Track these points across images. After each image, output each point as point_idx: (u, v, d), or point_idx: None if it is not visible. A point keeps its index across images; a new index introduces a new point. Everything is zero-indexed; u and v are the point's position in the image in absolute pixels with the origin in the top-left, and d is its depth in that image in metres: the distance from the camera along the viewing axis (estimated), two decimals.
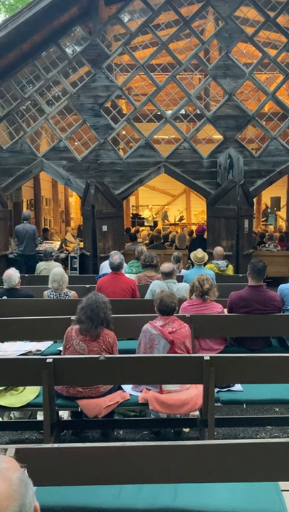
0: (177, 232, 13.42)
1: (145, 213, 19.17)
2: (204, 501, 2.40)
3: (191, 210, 20.71)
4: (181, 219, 19.50)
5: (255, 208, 13.20)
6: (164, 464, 2.30)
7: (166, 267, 5.76)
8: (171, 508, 2.39)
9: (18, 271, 5.92)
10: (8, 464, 1.07)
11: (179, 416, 4.02)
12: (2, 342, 4.86)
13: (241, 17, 10.46)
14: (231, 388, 3.90)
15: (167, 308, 4.02)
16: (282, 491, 2.47)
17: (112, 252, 7.43)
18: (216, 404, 3.62)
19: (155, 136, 10.89)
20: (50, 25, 10.09)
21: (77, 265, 10.41)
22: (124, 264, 6.56)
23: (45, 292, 5.79)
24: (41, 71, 10.54)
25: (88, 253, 10.09)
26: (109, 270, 6.23)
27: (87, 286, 6.27)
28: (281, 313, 4.95)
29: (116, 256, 6.05)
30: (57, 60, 10.58)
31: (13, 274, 5.74)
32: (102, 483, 2.43)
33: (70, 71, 10.99)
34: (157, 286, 5.53)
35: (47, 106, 10.80)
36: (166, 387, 3.76)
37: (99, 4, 10.36)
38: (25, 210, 12.68)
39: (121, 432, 4.31)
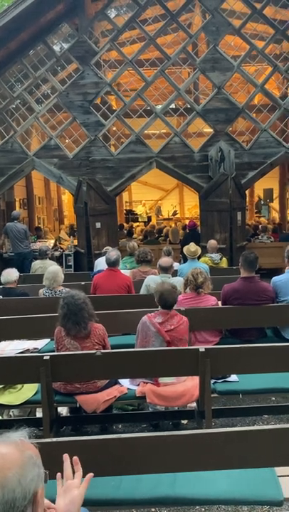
0: (171, 227, 13.45)
1: (138, 209, 19.18)
2: (203, 489, 2.45)
3: (185, 205, 20.72)
4: (174, 213, 19.52)
5: (248, 200, 13.24)
6: (162, 454, 2.34)
7: (165, 261, 5.72)
8: (170, 496, 2.44)
9: (16, 270, 5.98)
10: (29, 443, 1.18)
11: (176, 408, 4.06)
12: None
13: (228, 9, 10.46)
14: (227, 379, 3.94)
15: (167, 303, 4.02)
16: (279, 476, 2.52)
17: (107, 248, 7.45)
18: (212, 395, 3.66)
19: (146, 132, 10.89)
20: (37, 22, 10.06)
21: (71, 263, 10.44)
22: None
23: (41, 290, 5.81)
24: (29, 69, 10.50)
25: (82, 250, 10.11)
26: (104, 267, 6.25)
27: (83, 283, 6.29)
28: (275, 304, 5.01)
29: (113, 252, 6.05)
30: (45, 57, 10.55)
31: (11, 273, 5.79)
32: (102, 475, 2.47)
33: (58, 69, 10.95)
34: (152, 281, 5.56)
35: (36, 104, 10.77)
36: (163, 379, 3.79)
37: (85, 0, 10.33)
38: (17, 209, 12.65)
39: (120, 426, 4.35)
